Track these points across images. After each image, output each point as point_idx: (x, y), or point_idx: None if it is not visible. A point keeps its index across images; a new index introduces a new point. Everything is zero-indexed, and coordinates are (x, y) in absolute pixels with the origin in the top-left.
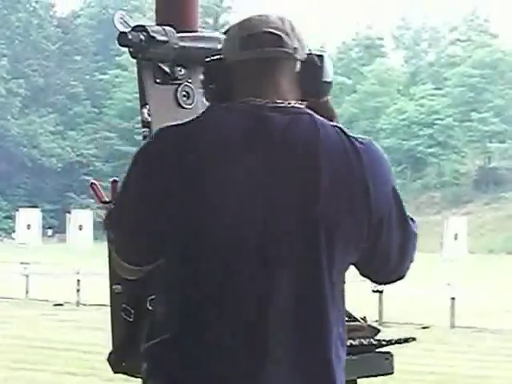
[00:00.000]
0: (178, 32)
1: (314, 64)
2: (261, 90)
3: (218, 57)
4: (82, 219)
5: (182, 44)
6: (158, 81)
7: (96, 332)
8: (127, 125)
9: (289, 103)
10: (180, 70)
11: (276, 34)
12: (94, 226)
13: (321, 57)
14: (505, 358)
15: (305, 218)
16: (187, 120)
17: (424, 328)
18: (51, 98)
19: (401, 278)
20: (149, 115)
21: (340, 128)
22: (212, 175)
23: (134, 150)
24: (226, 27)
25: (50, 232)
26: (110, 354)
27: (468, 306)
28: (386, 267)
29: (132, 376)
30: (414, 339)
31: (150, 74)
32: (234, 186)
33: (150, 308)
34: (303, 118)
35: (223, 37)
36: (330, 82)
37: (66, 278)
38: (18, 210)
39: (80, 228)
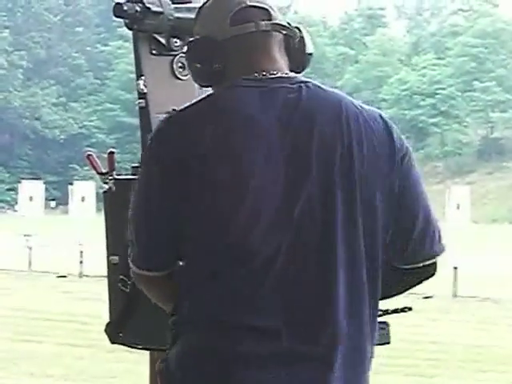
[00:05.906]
0: (173, 3)
1: (296, 37)
2: (258, 65)
3: (201, 37)
4: (85, 191)
5: (177, 15)
6: (153, 52)
7: (99, 303)
8: (130, 96)
9: (286, 73)
10: (175, 42)
11: (263, 8)
12: (96, 198)
13: (299, 29)
14: (506, 328)
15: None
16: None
17: (426, 298)
18: (53, 70)
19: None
20: (145, 86)
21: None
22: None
23: (136, 121)
24: None
25: (52, 204)
26: (108, 325)
27: (470, 275)
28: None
29: (129, 347)
30: (410, 309)
31: (146, 46)
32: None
33: None
34: (309, 86)
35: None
36: (311, 54)
37: (69, 250)
38: (20, 182)
39: (82, 199)
